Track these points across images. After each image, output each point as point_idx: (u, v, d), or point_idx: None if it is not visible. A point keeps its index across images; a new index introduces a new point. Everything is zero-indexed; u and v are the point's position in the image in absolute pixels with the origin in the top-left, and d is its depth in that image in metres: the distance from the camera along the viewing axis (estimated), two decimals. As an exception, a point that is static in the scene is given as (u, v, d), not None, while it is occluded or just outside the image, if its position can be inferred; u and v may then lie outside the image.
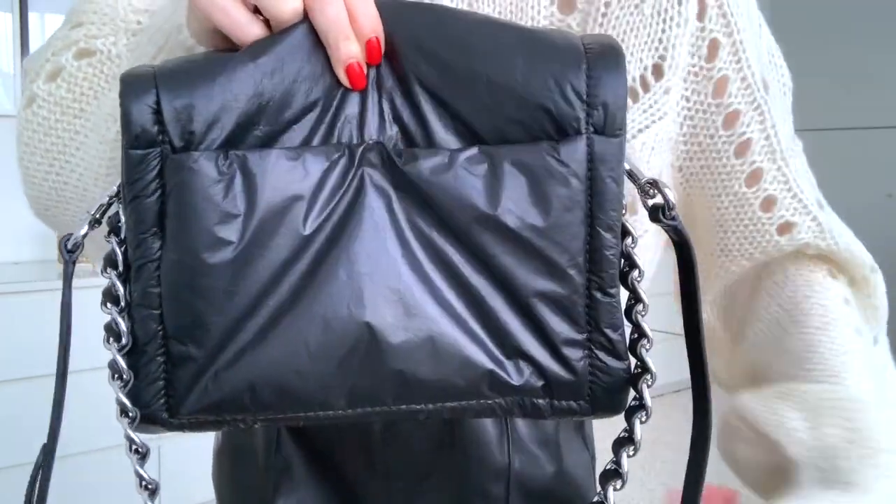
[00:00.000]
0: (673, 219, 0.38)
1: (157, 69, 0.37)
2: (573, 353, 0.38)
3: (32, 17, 2.32)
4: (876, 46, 4.69)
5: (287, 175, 0.36)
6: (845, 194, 4.42)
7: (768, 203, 0.54)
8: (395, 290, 0.37)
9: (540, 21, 0.52)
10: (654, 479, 2.83)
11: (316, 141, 0.38)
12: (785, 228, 0.55)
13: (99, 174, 0.51)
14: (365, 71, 0.38)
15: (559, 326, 0.38)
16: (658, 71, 0.51)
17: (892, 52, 4.63)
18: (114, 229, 0.39)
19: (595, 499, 0.41)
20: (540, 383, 0.38)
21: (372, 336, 0.36)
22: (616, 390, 0.39)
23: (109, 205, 0.39)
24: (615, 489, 0.41)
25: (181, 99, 0.36)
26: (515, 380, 0.38)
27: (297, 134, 0.38)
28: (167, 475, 2.10)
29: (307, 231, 0.36)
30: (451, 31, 0.38)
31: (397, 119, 0.38)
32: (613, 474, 0.41)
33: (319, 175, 0.37)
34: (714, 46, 0.52)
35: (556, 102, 0.36)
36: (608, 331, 0.38)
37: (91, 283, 2.20)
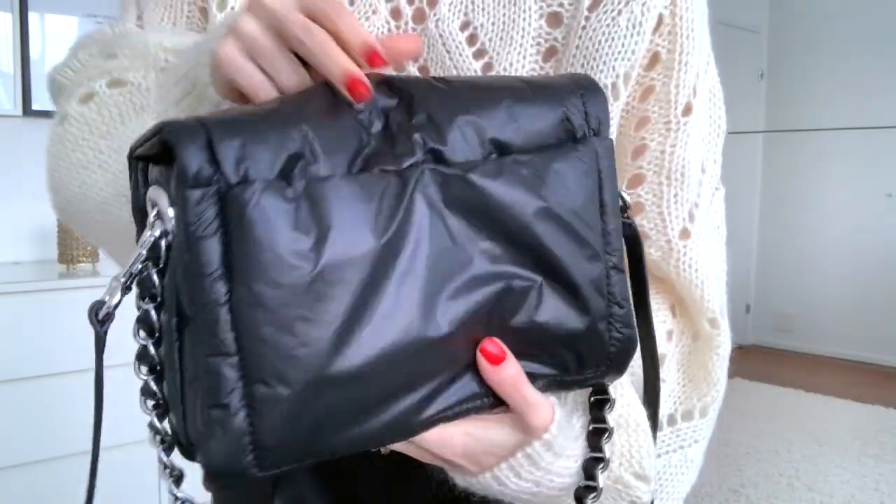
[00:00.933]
0: (628, 217, 0.46)
1: (201, 117, 0.37)
2: (603, 327, 0.44)
3: (32, 17, 2.32)
4: (876, 47, 4.69)
5: (350, 199, 0.37)
6: (845, 194, 4.43)
7: (637, 208, 0.58)
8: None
9: (530, 33, 0.55)
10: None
11: (356, 169, 0.39)
12: (643, 237, 0.56)
13: (119, 192, 0.54)
14: (366, 83, 0.39)
15: (598, 304, 0.44)
16: (627, 79, 0.55)
17: (893, 52, 4.63)
18: (149, 295, 0.38)
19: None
20: (576, 359, 0.44)
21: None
22: (626, 355, 0.45)
23: (141, 272, 0.38)
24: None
25: (233, 138, 0.36)
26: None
27: (339, 164, 0.39)
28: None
29: (379, 249, 0.38)
30: (461, 78, 0.44)
31: (423, 141, 0.41)
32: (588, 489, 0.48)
33: (378, 197, 0.38)
34: (655, 58, 0.56)
35: (572, 114, 0.44)
36: (623, 302, 0.45)
37: (91, 283, 2.20)
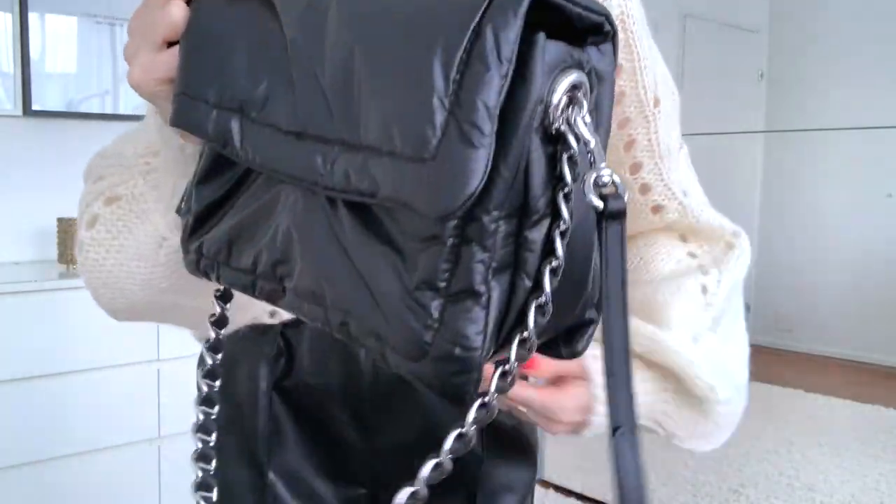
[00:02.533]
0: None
1: None
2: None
3: (32, 17, 2.32)
4: (876, 47, 4.69)
5: None
6: (845, 194, 4.42)
7: (644, 188, 0.70)
8: None
9: None
10: (654, 479, 2.83)
11: None
12: (657, 209, 0.72)
13: (153, 292, 0.63)
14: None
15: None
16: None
17: (893, 52, 4.63)
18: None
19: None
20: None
21: None
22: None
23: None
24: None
25: None
26: None
27: None
28: (167, 474, 2.10)
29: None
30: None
31: None
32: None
33: None
34: (619, 69, 0.63)
35: None
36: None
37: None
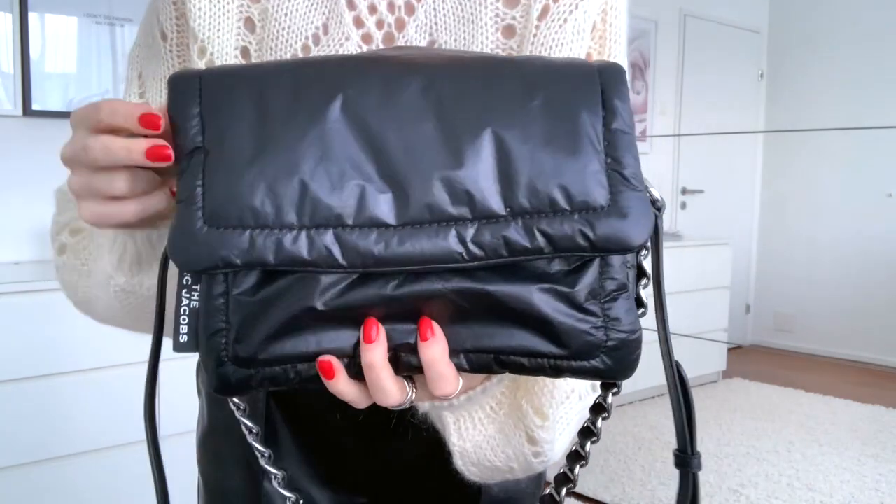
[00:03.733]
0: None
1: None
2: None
3: (32, 17, 2.32)
4: (876, 47, 4.69)
5: None
6: (845, 194, 4.42)
7: None
8: None
9: (488, 45, 0.61)
10: (654, 478, 2.83)
11: None
12: None
13: (122, 308, 0.62)
14: (161, 144, 0.44)
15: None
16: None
17: (893, 52, 4.63)
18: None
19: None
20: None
21: None
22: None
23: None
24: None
25: None
26: None
27: None
28: (167, 474, 2.10)
29: None
30: None
31: None
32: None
33: None
34: (588, 59, 0.62)
35: None
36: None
37: (91, 283, 2.15)
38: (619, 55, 0.64)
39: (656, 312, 0.50)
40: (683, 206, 4.75)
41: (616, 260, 0.45)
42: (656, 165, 4.59)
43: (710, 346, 4.01)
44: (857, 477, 2.89)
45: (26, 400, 1.92)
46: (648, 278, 0.48)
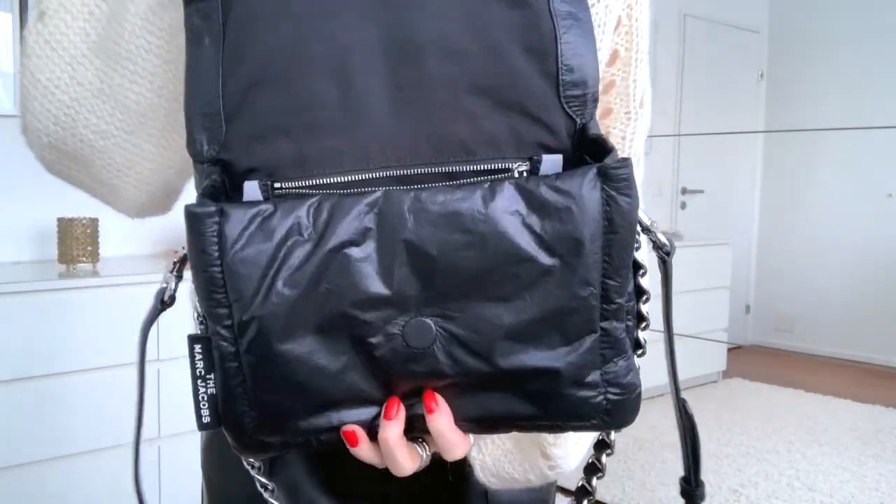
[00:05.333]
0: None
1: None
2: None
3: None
4: (876, 47, 4.69)
5: None
6: (845, 194, 4.42)
7: None
8: None
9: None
10: (655, 479, 2.83)
11: None
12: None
13: (118, 60, 0.57)
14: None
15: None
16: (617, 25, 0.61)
17: (893, 52, 4.63)
18: None
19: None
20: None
21: None
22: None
23: None
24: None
25: None
26: None
27: None
28: (167, 474, 2.10)
29: None
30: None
31: None
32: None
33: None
34: (615, 56, 0.61)
35: None
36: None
37: (91, 283, 2.19)
38: (644, 50, 0.62)
39: (667, 358, 0.51)
40: (683, 206, 4.75)
41: (616, 328, 0.46)
42: (656, 165, 4.59)
43: (710, 346, 4.01)
44: (857, 477, 2.89)
45: (26, 400, 1.92)
46: (648, 322, 0.49)
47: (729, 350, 4.33)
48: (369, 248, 0.45)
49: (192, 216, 0.45)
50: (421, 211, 0.45)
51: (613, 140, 0.63)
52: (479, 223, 0.45)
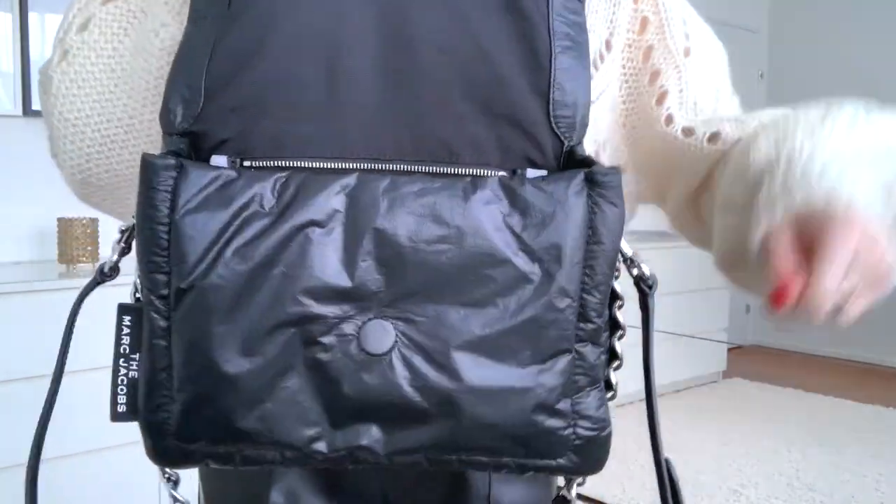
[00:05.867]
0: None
1: None
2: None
3: (32, 17, 2.32)
4: (876, 47, 4.69)
5: None
6: (845, 194, 4.30)
7: (687, 132, 0.67)
8: None
9: None
10: (654, 478, 2.83)
11: None
12: (714, 138, 0.67)
13: (146, 95, 0.56)
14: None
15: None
16: (608, 46, 0.62)
17: (893, 53, 4.63)
18: None
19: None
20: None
21: None
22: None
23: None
24: None
25: None
26: None
27: None
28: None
29: None
30: None
31: None
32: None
33: None
34: (644, 23, 0.64)
35: None
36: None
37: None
38: (672, 8, 0.65)
39: (647, 399, 0.50)
40: (683, 206, 4.75)
41: (591, 353, 0.44)
42: (656, 165, 4.59)
43: (710, 346, 4.01)
44: (857, 477, 2.89)
45: (26, 400, 1.92)
46: (621, 362, 0.48)
47: (729, 350, 4.33)
48: (335, 232, 0.41)
49: (148, 166, 0.41)
50: (396, 197, 0.41)
51: (671, 97, 0.66)
52: (457, 215, 0.41)
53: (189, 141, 0.46)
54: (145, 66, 0.57)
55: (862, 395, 3.95)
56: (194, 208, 0.40)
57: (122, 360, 0.43)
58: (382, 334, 0.40)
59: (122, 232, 0.50)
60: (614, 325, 0.47)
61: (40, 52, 2.35)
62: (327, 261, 0.40)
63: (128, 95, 0.58)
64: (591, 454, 0.44)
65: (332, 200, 0.41)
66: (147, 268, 0.41)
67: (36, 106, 2.34)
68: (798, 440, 3.28)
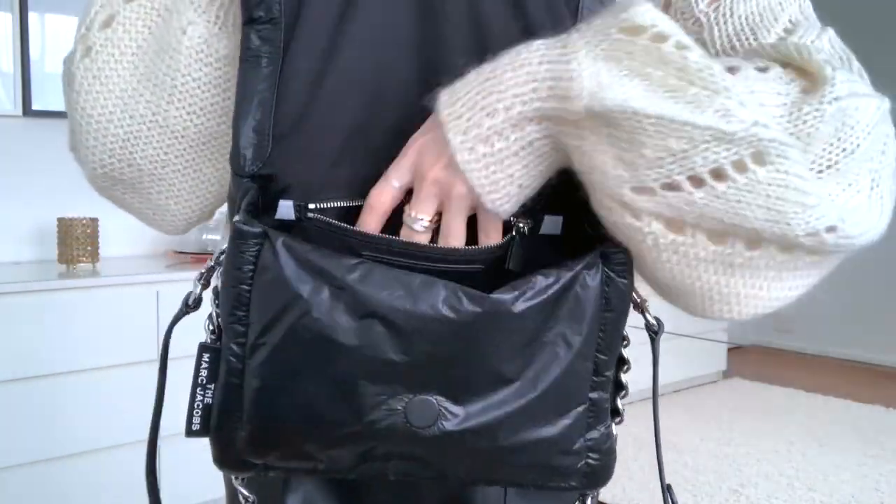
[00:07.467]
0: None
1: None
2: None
3: (32, 17, 2.32)
4: (876, 48, 4.69)
5: None
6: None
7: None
8: None
9: None
10: (654, 479, 2.83)
11: None
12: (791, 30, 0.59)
13: (173, 93, 0.58)
14: None
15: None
16: None
17: (893, 53, 4.63)
18: None
19: None
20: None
21: None
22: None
23: None
24: None
25: None
26: None
27: None
28: (167, 475, 2.10)
29: None
30: None
31: None
32: None
33: None
34: None
35: None
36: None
37: (91, 283, 2.19)
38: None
39: (656, 440, 0.55)
40: (683, 206, 4.75)
41: (601, 398, 0.50)
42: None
43: (710, 346, 4.01)
44: (857, 477, 2.89)
45: (26, 400, 1.92)
46: (627, 391, 0.52)
47: (729, 350, 4.34)
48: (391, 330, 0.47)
49: (239, 233, 0.46)
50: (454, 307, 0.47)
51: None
52: (515, 321, 0.47)
53: (258, 185, 0.51)
54: (171, 64, 0.57)
55: (862, 395, 3.95)
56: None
57: (199, 388, 0.50)
58: (426, 408, 0.47)
59: (202, 273, 0.55)
60: (620, 361, 0.52)
61: (40, 52, 2.35)
62: (385, 348, 0.47)
63: (151, 93, 0.58)
64: (600, 478, 0.51)
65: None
66: (229, 319, 0.47)
67: (36, 106, 2.34)
68: (798, 440, 3.28)
